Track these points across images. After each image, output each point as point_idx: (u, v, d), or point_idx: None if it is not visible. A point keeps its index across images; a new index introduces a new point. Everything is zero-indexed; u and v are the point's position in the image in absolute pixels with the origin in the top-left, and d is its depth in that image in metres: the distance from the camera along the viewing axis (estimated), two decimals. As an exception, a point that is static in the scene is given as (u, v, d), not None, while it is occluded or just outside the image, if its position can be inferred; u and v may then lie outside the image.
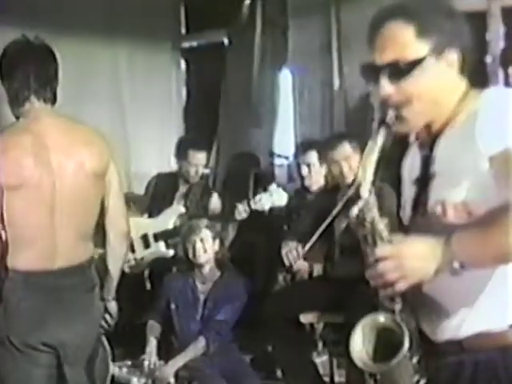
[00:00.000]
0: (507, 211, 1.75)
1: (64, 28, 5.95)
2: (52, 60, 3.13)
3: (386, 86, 1.89)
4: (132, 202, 5.79)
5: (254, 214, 5.03)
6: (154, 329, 4.79)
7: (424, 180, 1.95)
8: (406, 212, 2.03)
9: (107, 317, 3.37)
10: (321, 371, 4.73)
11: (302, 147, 5.26)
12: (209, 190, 5.71)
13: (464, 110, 1.90)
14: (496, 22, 5.68)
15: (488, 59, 5.64)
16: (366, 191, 1.91)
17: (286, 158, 6.65)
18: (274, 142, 6.70)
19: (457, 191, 1.85)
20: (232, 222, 5.36)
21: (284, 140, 6.76)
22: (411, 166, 2.06)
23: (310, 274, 4.83)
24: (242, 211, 4.96)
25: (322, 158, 4.98)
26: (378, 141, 1.92)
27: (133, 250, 5.43)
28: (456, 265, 1.79)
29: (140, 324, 4.89)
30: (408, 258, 1.80)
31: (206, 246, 4.69)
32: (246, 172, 6.28)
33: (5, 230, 2.98)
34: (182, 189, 5.66)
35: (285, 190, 5.03)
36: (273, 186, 5.04)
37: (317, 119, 6.26)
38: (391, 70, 1.88)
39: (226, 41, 7.00)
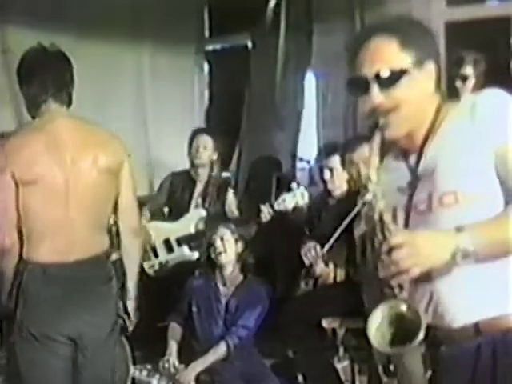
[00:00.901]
0: None
1: (89, 31, 5.98)
2: (68, 65, 3.31)
3: (377, 96, 2.06)
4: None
5: (276, 219, 5.03)
6: (175, 331, 4.79)
7: (417, 182, 2.11)
8: (398, 219, 2.14)
9: (125, 317, 3.48)
10: (342, 377, 4.71)
11: (325, 151, 5.23)
12: (224, 188, 5.71)
13: (449, 116, 2.09)
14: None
15: (512, 65, 5.61)
16: (373, 185, 2.07)
17: (308, 161, 6.63)
18: (297, 146, 6.69)
19: (465, 180, 2.01)
20: (255, 225, 5.36)
21: (306, 143, 6.75)
22: (392, 177, 2.20)
23: (334, 278, 4.81)
24: (266, 214, 5.02)
25: (345, 162, 4.96)
26: (375, 145, 2.11)
27: (156, 255, 5.46)
28: (470, 249, 1.92)
29: (161, 327, 4.89)
30: (421, 245, 1.93)
31: (226, 246, 4.69)
32: (267, 175, 6.28)
33: (20, 224, 3.13)
34: (199, 187, 5.69)
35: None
36: (294, 186, 5.09)
37: (340, 123, 6.24)
38: (381, 80, 2.05)
39: (249, 44, 7.01)
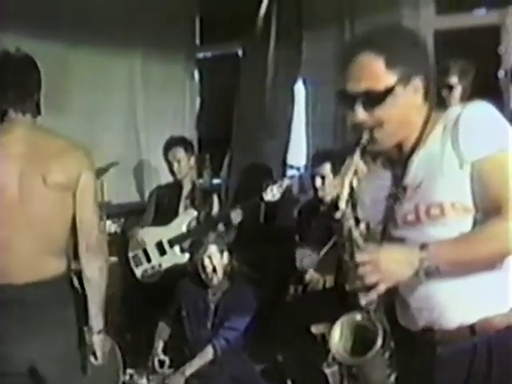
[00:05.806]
0: (488, 221, 1.98)
1: (80, 38, 5.99)
2: (34, 71, 3.08)
3: (360, 113, 2.09)
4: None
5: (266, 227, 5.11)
6: (163, 332, 4.84)
7: (402, 193, 2.14)
8: (376, 229, 2.21)
9: (91, 358, 3.13)
10: (330, 382, 4.72)
11: (318, 158, 5.26)
12: (209, 194, 5.78)
13: (435, 128, 2.11)
14: (509, 35, 5.66)
15: (500, 74, 5.63)
16: (343, 203, 2.11)
17: (298, 168, 6.66)
18: (287, 153, 6.71)
19: (451, 192, 2.04)
20: (234, 231, 5.49)
21: (296, 151, 6.77)
22: (374, 188, 2.27)
23: (323, 285, 4.84)
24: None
25: (336, 170, 4.99)
26: (354, 159, 2.11)
27: (148, 260, 5.49)
28: (433, 267, 1.97)
29: (151, 333, 4.90)
30: (384, 263, 1.98)
31: (215, 262, 4.71)
32: (258, 183, 6.30)
33: None
34: (185, 192, 5.76)
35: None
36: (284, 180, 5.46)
37: (329, 130, 6.25)
38: (365, 99, 2.08)
39: (240, 52, 7.04)
